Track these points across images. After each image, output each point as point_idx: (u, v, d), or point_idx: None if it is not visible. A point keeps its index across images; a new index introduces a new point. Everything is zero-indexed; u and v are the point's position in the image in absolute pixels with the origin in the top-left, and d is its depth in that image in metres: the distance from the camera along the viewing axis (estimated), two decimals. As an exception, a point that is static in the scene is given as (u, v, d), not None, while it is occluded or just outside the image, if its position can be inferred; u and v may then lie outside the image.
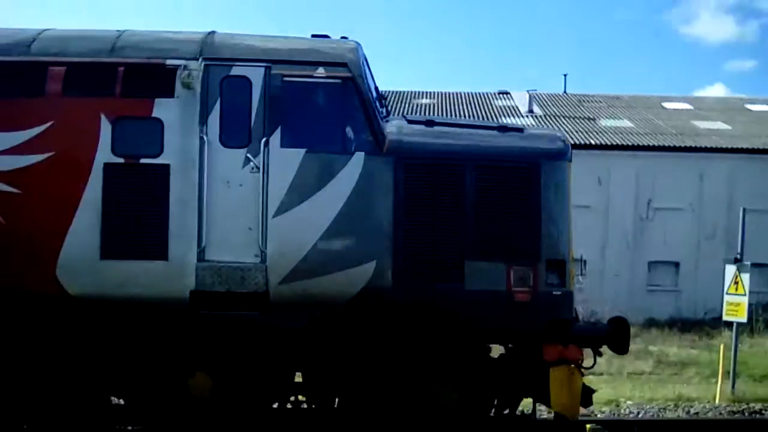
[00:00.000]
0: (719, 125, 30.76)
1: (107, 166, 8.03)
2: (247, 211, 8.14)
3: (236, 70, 8.30)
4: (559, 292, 8.45)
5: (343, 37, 9.13)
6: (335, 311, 8.17)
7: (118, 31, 8.81)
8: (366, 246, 8.15)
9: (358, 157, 8.20)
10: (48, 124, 8.05)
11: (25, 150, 8.03)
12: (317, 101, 8.38)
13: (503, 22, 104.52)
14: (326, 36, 9.17)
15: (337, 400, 8.59)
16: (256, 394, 8.38)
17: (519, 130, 9.14)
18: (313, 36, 9.15)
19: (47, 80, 8.12)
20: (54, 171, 8.03)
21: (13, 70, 8.18)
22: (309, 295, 8.09)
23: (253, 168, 8.17)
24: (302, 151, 8.15)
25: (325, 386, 8.46)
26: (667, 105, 34.60)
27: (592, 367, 8.73)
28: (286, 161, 8.12)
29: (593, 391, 8.82)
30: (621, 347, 8.61)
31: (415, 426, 8.43)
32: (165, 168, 8.07)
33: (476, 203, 8.30)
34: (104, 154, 8.04)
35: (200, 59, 8.27)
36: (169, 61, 8.27)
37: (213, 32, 8.77)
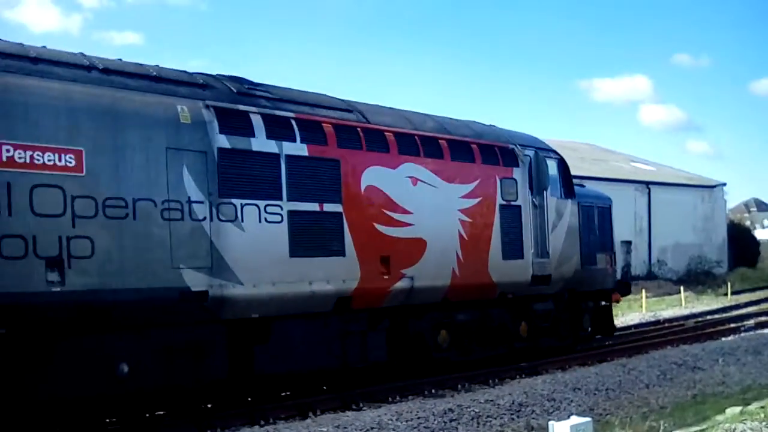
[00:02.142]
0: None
1: (501, 206, 13.83)
2: (536, 230, 14.80)
3: (526, 152, 14.85)
4: (616, 268, 17.29)
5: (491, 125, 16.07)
6: (565, 283, 15.45)
7: (465, 122, 14.29)
8: (574, 248, 15.64)
9: (571, 202, 15.63)
10: (478, 181, 13.43)
11: (472, 195, 13.28)
12: (552, 170, 15.43)
13: None
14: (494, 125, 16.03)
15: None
16: (543, 327, 15.02)
17: (581, 185, 17.50)
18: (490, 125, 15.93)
19: (474, 154, 13.47)
20: (482, 208, 13.46)
21: (462, 146, 13.27)
22: (559, 276, 15.20)
23: (536, 207, 14.87)
24: (555, 197, 15.20)
25: (551, 318, 15.49)
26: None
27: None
28: (551, 203, 15.06)
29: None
30: (626, 293, 17.83)
31: (566, 338, 16.13)
32: (519, 208, 14.23)
33: (597, 225, 16.54)
34: (500, 199, 13.81)
35: (517, 145, 14.57)
36: (510, 145, 14.38)
37: (495, 126, 14.99)
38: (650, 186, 43.33)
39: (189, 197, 9.41)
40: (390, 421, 9.65)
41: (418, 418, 9.87)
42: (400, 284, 11.92)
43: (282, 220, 10.38)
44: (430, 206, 12.47)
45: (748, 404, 10.42)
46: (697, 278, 41.49)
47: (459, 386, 12.47)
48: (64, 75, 8.71)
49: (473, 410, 10.39)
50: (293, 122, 10.77)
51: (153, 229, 9.07)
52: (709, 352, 16.03)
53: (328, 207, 10.98)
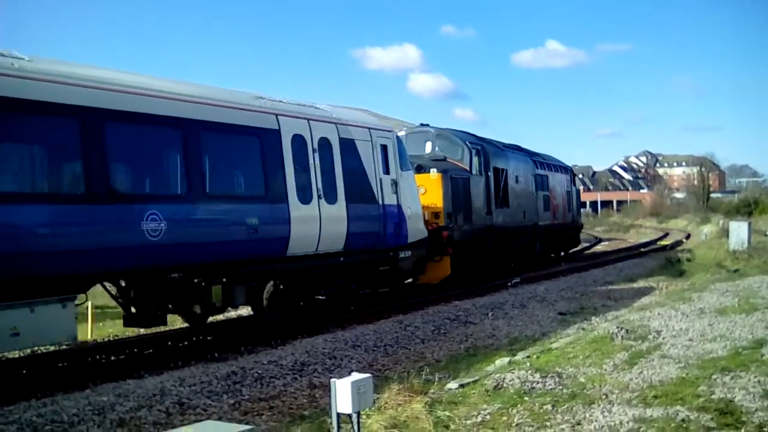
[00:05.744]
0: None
1: (566, 191, 33.57)
2: (571, 201, 34.67)
3: (568, 167, 34.61)
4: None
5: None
6: (572, 222, 35.57)
7: (548, 156, 33.77)
8: (574, 208, 35.76)
9: (575, 188, 35.77)
10: (563, 181, 33.01)
11: (561, 187, 32.84)
12: (570, 174, 35.39)
13: None
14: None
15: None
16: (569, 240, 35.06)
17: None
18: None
19: (562, 170, 33.03)
20: (563, 192, 33.06)
21: (558, 167, 32.78)
22: (574, 219, 35.25)
23: (572, 192, 34.76)
24: (573, 186, 35.18)
25: (568, 237, 35.51)
26: None
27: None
28: (573, 189, 35.01)
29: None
30: (582, 227, 38.55)
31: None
32: (570, 192, 34.00)
33: (576, 197, 36.87)
34: (566, 188, 33.53)
35: (566, 165, 34.28)
36: (566, 165, 34.11)
37: None
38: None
39: (534, 191, 28.13)
40: (173, 387, 9.40)
41: (202, 382, 9.71)
42: (554, 221, 31.15)
43: (541, 197, 29.26)
44: (558, 191, 31.81)
45: (515, 355, 10.85)
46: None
47: (242, 348, 12.39)
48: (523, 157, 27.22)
49: (256, 372, 10.38)
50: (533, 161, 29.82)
51: (530, 201, 27.74)
52: (479, 307, 16.77)
53: (546, 193, 29.98)
